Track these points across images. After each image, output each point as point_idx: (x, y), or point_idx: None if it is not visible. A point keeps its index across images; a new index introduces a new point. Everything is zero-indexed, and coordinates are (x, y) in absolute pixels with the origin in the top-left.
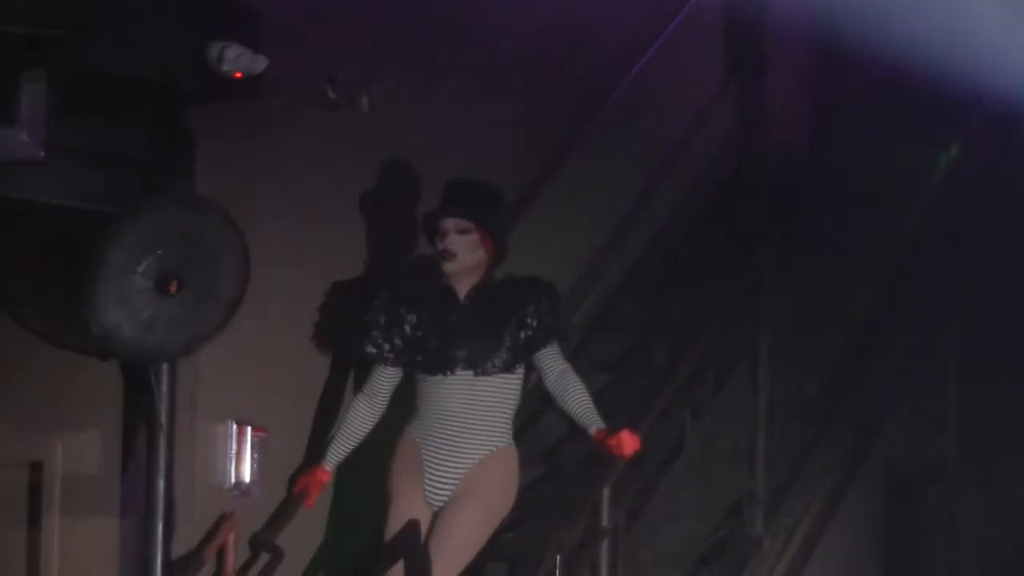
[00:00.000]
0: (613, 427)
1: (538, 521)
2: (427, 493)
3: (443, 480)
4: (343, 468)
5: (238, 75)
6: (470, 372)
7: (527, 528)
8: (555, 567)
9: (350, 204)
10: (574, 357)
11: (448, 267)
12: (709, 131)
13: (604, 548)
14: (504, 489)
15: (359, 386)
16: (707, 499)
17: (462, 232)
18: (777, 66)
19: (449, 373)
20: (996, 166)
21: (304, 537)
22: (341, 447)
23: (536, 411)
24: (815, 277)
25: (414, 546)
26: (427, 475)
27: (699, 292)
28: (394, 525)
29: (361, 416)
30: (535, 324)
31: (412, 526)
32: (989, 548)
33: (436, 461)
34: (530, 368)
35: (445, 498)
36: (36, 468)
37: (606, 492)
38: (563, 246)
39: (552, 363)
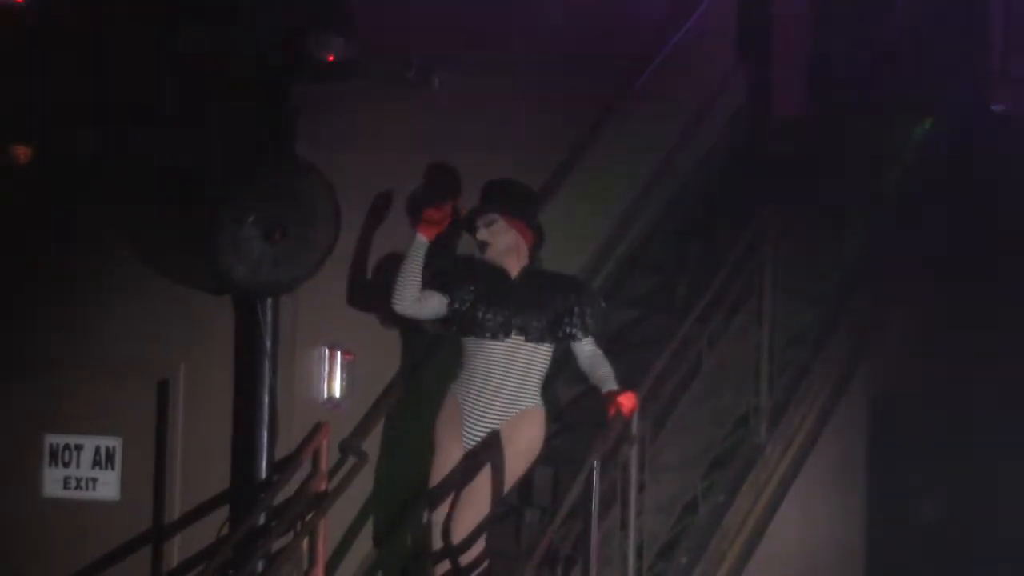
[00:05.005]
0: (640, 358)
1: (578, 430)
2: (464, 438)
3: (478, 428)
4: (396, 423)
5: (331, 58)
6: (521, 338)
7: (569, 436)
8: (593, 468)
9: (425, 167)
10: (613, 293)
11: (488, 253)
12: (724, 104)
13: (633, 452)
14: (532, 444)
15: (431, 320)
16: (719, 412)
17: (489, 224)
18: (781, 49)
19: (504, 337)
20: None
21: (385, 445)
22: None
23: None
24: (811, 227)
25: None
26: (465, 423)
27: (715, 240)
28: (437, 469)
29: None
30: (578, 322)
31: (451, 475)
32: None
33: (473, 411)
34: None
35: (478, 441)
36: (163, 385)
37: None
38: (606, 193)
39: (585, 350)
